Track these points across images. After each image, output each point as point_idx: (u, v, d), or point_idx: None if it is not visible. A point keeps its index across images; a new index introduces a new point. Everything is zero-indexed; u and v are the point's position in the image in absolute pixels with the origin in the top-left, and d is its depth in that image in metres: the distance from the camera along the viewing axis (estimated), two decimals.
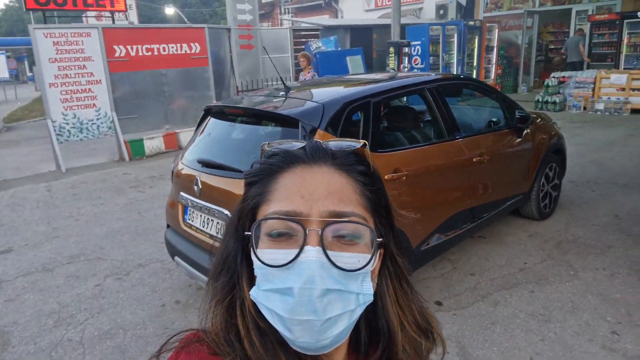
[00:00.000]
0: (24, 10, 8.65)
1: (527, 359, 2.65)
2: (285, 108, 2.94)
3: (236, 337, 0.62)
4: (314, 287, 0.55)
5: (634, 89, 10.14)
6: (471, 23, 12.49)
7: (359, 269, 0.58)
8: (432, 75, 3.92)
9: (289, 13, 25.99)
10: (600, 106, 10.45)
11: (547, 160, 4.51)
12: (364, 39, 12.02)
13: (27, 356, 2.92)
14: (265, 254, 0.58)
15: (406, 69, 9.97)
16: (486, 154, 3.68)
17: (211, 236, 2.91)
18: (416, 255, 3.19)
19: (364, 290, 0.59)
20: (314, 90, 3.43)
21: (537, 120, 4.56)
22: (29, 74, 34.42)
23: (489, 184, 3.83)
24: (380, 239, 0.62)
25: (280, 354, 0.60)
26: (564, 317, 3.04)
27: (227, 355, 0.60)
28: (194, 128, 3.59)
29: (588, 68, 11.95)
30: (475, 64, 12.85)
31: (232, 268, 0.65)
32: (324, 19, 17.29)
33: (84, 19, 17.96)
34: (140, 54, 8.49)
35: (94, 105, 8.11)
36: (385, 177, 2.89)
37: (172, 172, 3.43)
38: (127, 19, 14.40)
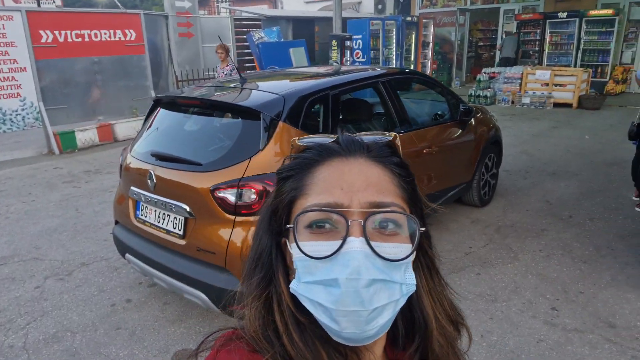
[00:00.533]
0: None
1: (478, 337, 2.83)
2: (243, 99, 2.89)
3: (274, 334, 0.61)
4: (360, 277, 0.55)
5: (556, 85, 10.98)
6: (409, 19, 12.83)
7: (402, 259, 0.58)
8: (382, 69, 4.02)
9: (225, 1, 25.35)
10: (526, 100, 11.22)
11: (486, 151, 4.78)
12: (307, 31, 12.00)
13: None
14: (307, 246, 0.58)
15: (348, 62, 10.10)
16: (435, 145, 3.85)
17: (168, 232, 2.81)
18: None
19: (407, 280, 0.60)
20: (269, 83, 3.40)
21: (478, 114, 4.82)
22: None
23: (437, 174, 4.01)
24: (423, 228, 0.62)
25: (320, 349, 0.59)
26: (509, 296, 3.27)
27: (267, 352, 0.59)
28: (131, 119, 3.42)
29: (515, 64, 12.77)
30: (412, 58, 13.25)
31: (267, 264, 0.65)
32: (265, 9, 17.03)
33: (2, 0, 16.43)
34: (69, 39, 7.94)
35: (19, 94, 7.49)
36: None
37: (121, 165, 3.27)
38: (54, 2, 13.35)
